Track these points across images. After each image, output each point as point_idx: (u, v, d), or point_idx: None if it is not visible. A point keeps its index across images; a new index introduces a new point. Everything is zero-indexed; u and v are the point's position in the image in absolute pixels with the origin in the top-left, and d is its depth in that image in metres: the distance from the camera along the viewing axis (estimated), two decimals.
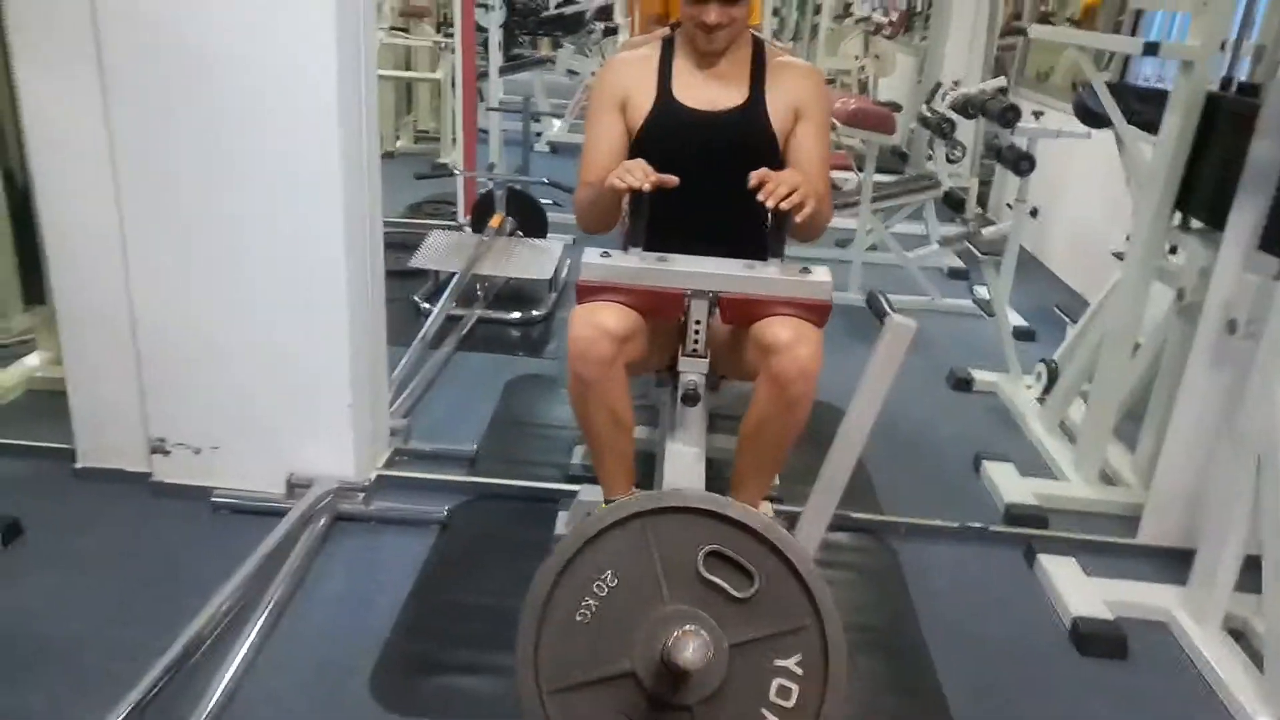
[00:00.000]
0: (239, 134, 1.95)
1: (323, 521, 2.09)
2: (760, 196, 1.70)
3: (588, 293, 1.77)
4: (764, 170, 1.73)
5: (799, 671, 1.24)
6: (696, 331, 1.76)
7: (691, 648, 1.16)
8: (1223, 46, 2.25)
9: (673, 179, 1.75)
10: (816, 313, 1.75)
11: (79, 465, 2.24)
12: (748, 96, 1.96)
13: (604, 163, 1.93)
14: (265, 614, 1.78)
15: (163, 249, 2.04)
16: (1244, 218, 2.00)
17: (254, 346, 2.10)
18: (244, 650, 1.69)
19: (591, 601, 1.24)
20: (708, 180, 1.88)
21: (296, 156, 1.97)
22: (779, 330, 1.72)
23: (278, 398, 2.14)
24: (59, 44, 1.92)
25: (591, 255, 1.79)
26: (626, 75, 2.00)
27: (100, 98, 1.93)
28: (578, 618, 1.24)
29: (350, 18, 1.94)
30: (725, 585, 1.24)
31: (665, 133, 1.94)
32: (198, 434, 2.17)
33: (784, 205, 1.68)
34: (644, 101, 1.96)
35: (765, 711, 1.23)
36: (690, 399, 1.79)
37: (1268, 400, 1.79)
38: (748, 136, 1.94)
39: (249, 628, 1.74)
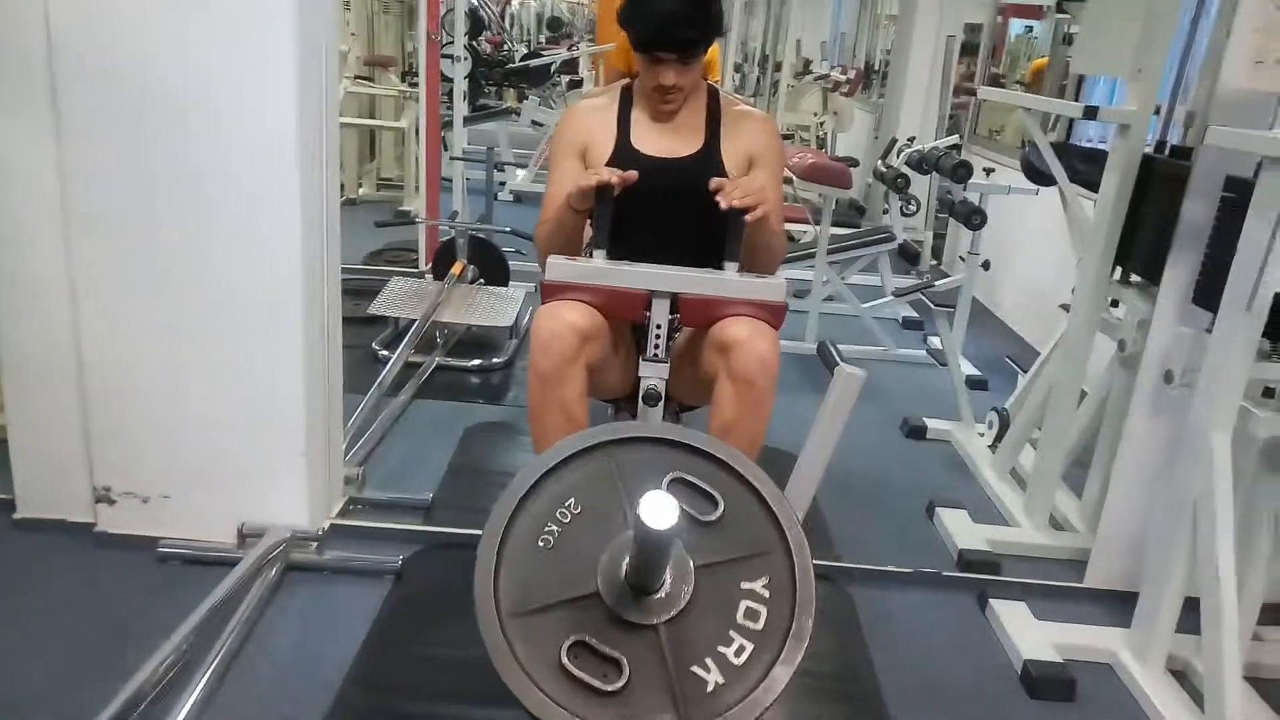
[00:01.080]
0: (195, 179, 1.95)
1: (274, 571, 2.06)
2: (717, 198, 1.80)
3: (553, 292, 1.82)
4: (722, 180, 1.84)
5: (766, 594, 1.23)
6: (658, 335, 1.83)
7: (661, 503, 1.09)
8: (1157, 111, 2.36)
9: (633, 174, 1.86)
10: (773, 313, 1.82)
11: (18, 515, 2.18)
12: (703, 144, 2.03)
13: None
14: (213, 666, 1.74)
15: (112, 294, 2.02)
16: (1178, 273, 2.08)
17: (206, 392, 2.08)
18: (190, 704, 1.64)
19: (554, 528, 1.24)
20: (665, 223, 1.99)
21: (254, 202, 1.97)
22: (737, 328, 1.77)
23: (230, 445, 2.12)
24: (12, 86, 1.92)
25: (557, 258, 1.85)
26: (587, 122, 2.06)
27: (53, 141, 1.93)
28: (540, 543, 1.23)
29: (312, 65, 1.97)
30: (691, 510, 1.23)
31: (626, 190, 1.97)
32: (146, 482, 2.13)
33: (737, 204, 1.78)
34: (604, 149, 2.02)
35: (733, 633, 1.21)
36: (651, 398, 1.84)
37: (1202, 449, 1.85)
38: (703, 181, 1.97)
39: (196, 680, 1.70)
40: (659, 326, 1.83)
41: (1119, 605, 2.18)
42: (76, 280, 2.01)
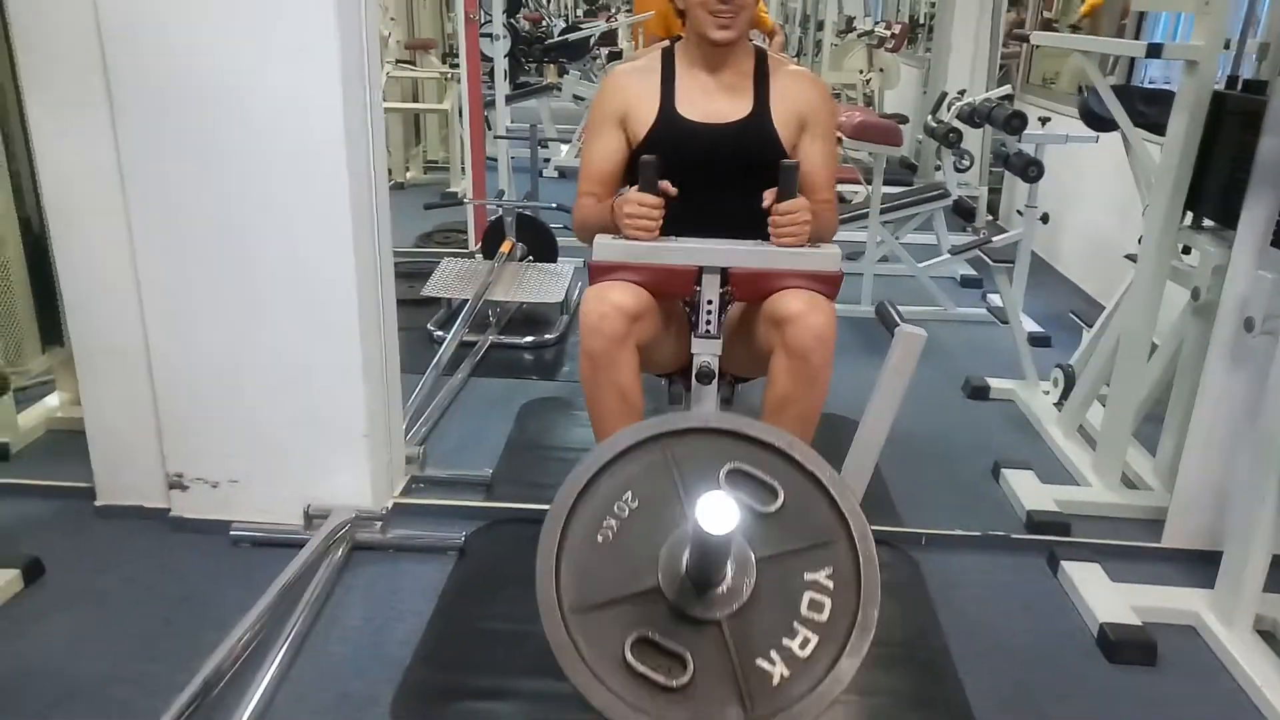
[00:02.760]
0: (248, 170, 1.97)
1: (341, 551, 2.09)
2: (770, 229, 1.78)
3: (600, 273, 1.80)
4: (777, 204, 1.78)
5: (830, 585, 1.21)
6: (709, 311, 1.79)
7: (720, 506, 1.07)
8: (1227, 45, 2.25)
9: (671, 188, 1.81)
10: (827, 284, 1.77)
11: (99, 503, 2.25)
12: (752, 108, 1.95)
13: (602, 177, 1.98)
14: (285, 646, 1.78)
15: (176, 287, 2.06)
16: (1255, 215, 1.98)
17: (269, 380, 2.11)
18: (265, 682, 1.68)
19: (613, 522, 1.22)
20: (713, 190, 1.90)
21: (306, 191, 1.99)
22: (791, 301, 1.73)
23: (294, 429, 2.15)
24: (70, 88, 1.96)
25: (604, 238, 1.82)
26: (628, 89, 1.99)
27: (112, 140, 1.96)
28: (599, 538, 1.22)
29: (354, 54, 1.97)
30: (750, 501, 1.21)
31: (669, 146, 1.92)
32: (215, 468, 2.18)
33: (785, 245, 1.77)
34: (646, 115, 1.96)
35: (797, 624, 1.19)
36: (704, 376, 1.81)
37: None
38: (754, 148, 1.93)
39: (269, 660, 1.73)
40: (710, 302, 1.79)
41: (1200, 565, 2.11)
42: (141, 274, 2.05)
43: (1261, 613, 1.92)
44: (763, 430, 1.24)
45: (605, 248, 1.80)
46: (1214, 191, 2.19)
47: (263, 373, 2.11)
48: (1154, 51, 2.25)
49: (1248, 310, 1.94)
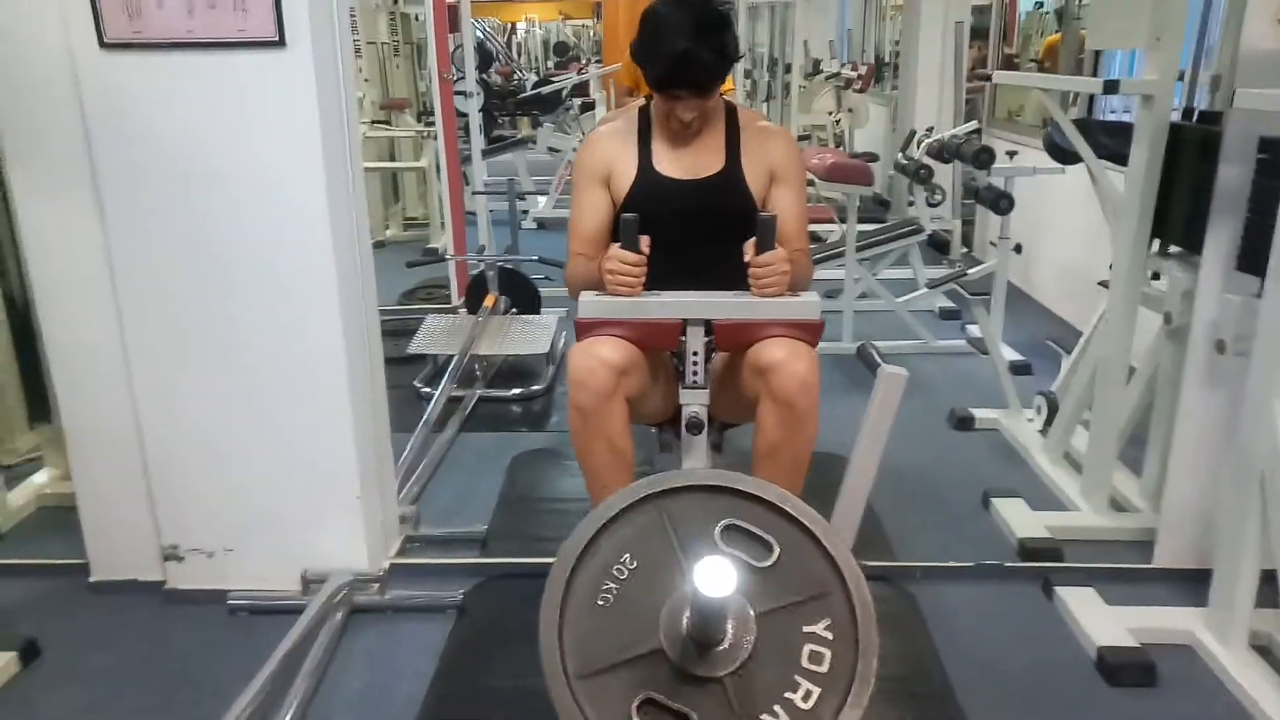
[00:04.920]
0: (233, 240, 2.00)
1: (340, 615, 2.09)
2: (750, 281, 1.84)
3: (586, 329, 1.83)
4: (757, 256, 1.84)
5: (829, 636, 1.23)
6: (695, 362, 1.83)
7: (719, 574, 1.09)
8: (1181, 77, 2.33)
9: (646, 248, 1.86)
10: (808, 331, 1.82)
11: (93, 579, 2.24)
12: (724, 164, 2.02)
13: (590, 234, 2.04)
14: (290, 713, 1.77)
15: (165, 359, 2.07)
16: (1219, 240, 2.05)
17: (260, 446, 2.12)
18: None
19: (612, 585, 1.24)
20: (692, 242, 1.99)
21: (290, 257, 2.01)
22: (774, 350, 1.77)
23: (287, 495, 2.15)
24: (54, 166, 1.99)
25: (588, 295, 1.86)
26: (608, 149, 2.06)
27: (96, 216, 1.99)
28: (599, 602, 1.24)
29: (333, 118, 2.01)
30: (745, 556, 1.23)
31: (650, 202, 1.99)
32: (210, 538, 2.18)
33: (767, 295, 1.83)
34: (627, 173, 2.03)
35: (799, 678, 1.21)
36: (694, 427, 1.84)
37: (1265, 416, 1.81)
38: (728, 201, 2.01)
39: None
40: (695, 354, 1.83)
41: (1192, 584, 2.13)
42: (130, 351, 2.07)
43: (1256, 628, 1.94)
44: (755, 485, 1.26)
45: (590, 304, 1.83)
46: (1178, 218, 2.25)
47: (254, 440, 2.12)
48: (1110, 88, 2.34)
49: (1218, 333, 1.99)
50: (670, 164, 2.02)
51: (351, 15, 6.20)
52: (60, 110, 1.93)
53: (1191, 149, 2.18)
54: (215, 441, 2.12)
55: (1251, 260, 1.93)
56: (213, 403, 2.09)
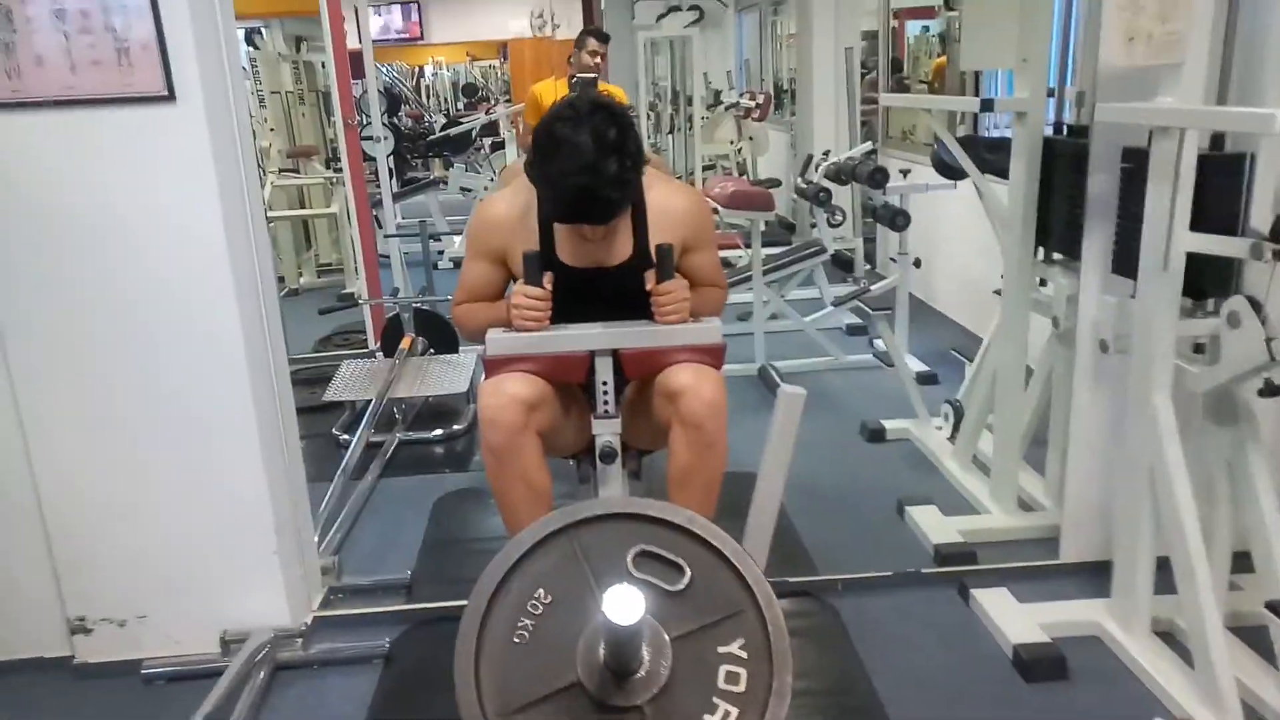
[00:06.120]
0: (131, 299, 1.96)
1: (262, 675, 2.04)
2: (653, 309, 1.86)
3: (495, 366, 1.84)
4: (657, 285, 1.86)
5: (744, 655, 1.24)
6: (605, 391, 1.85)
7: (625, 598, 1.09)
8: (1052, 94, 2.47)
9: (548, 275, 1.87)
10: (712, 355, 1.87)
11: None
12: (633, 249, 1.94)
13: (480, 297, 2.03)
14: None
15: (64, 424, 2.01)
16: (1094, 245, 2.17)
17: (168, 506, 2.07)
18: None
19: (528, 621, 1.24)
20: (599, 317, 1.92)
21: (193, 312, 1.98)
22: (681, 375, 1.80)
23: (200, 555, 2.10)
24: None
25: (495, 332, 1.87)
26: (503, 232, 1.96)
27: None
28: (515, 640, 1.24)
29: (230, 169, 1.99)
30: (658, 581, 1.25)
31: (556, 293, 1.89)
32: (120, 606, 2.10)
33: (669, 322, 1.85)
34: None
35: (717, 700, 1.22)
36: (607, 456, 1.87)
37: (1146, 412, 1.91)
38: (638, 286, 1.91)
39: None
40: (605, 383, 1.85)
41: (1097, 576, 2.22)
42: (24, 419, 2.00)
43: (1157, 615, 2.03)
44: (663, 509, 1.29)
45: (497, 342, 1.85)
46: (1058, 227, 2.37)
47: (163, 500, 2.06)
48: (987, 106, 2.47)
49: (1100, 333, 2.10)
50: (574, 252, 1.93)
51: (253, 64, 6.14)
52: None
53: (1064, 161, 2.31)
54: (121, 504, 2.05)
55: (1124, 263, 2.05)
56: (117, 464, 2.03)
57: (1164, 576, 1.98)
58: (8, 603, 2.12)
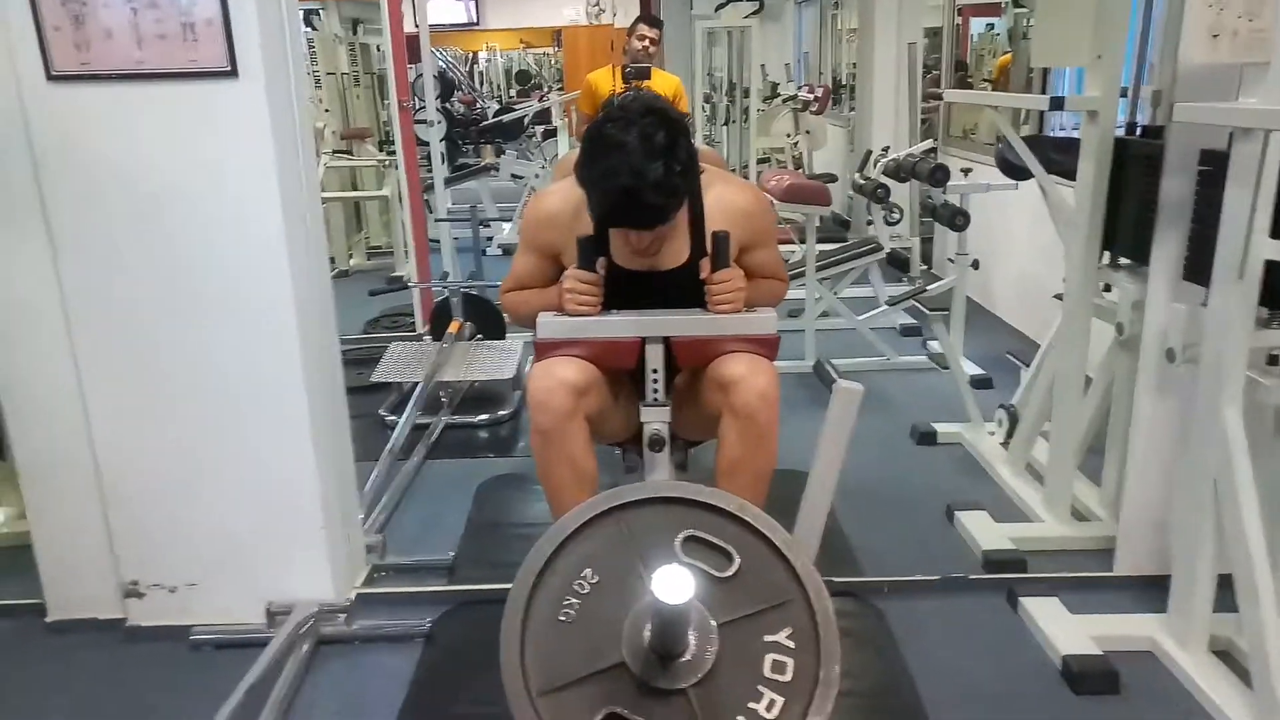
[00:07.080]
0: (188, 272, 1.98)
1: (306, 647, 2.06)
2: (707, 297, 1.84)
3: (545, 350, 1.83)
4: (711, 274, 1.83)
5: (791, 645, 1.23)
6: (655, 379, 1.83)
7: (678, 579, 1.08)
8: (1125, 94, 2.40)
9: (602, 260, 1.86)
10: (766, 346, 1.84)
11: (50, 619, 2.19)
12: (690, 252, 1.90)
13: (530, 287, 2.03)
14: None
15: (122, 393, 2.05)
16: (1166, 251, 2.10)
17: (221, 478, 2.10)
18: None
19: (574, 600, 1.24)
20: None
21: (248, 288, 2.00)
22: (734, 365, 1.78)
23: (250, 527, 2.13)
24: (2, 202, 1.95)
25: (547, 315, 1.86)
26: (559, 227, 1.92)
27: (48, 249, 1.96)
28: (561, 618, 1.23)
29: (289, 147, 2.00)
30: (706, 567, 1.24)
31: (609, 290, 1.88)
32: (172, 573, 2.14)
33: (723, 311, 1.83)
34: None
35: (761, 687, 1.21)
36: (656, 444, 1.85)
37: (1214, 424, 1.85)
38: (695, 288, 1.88)
39: None
40: (655, 371, 1.84)
41: (1153, 590, 2.16)
42: (85, 386, 2.04)
43: (1215, 633, 1.97)
44: (714, 495, 1.27)
45: (548, 325, 1.84)
46: (1126, 231, 2.30)
47: (215, 472, 2.09)
48: (1057, 104, 2.40)
49: (1168, 342, 2.04)
50: (630, 258, 1.88)
51: (310, 46, 6.21)
52: (7, 143, 1.91)
53: (1136, 163, 2.24)
54: (175, 474, 2.09)
55: (1196, 270, 1.98)
56: (171, 435, 2.07)
57: (1223, 595, 1.92)
58: (65, 565, 2.17)
